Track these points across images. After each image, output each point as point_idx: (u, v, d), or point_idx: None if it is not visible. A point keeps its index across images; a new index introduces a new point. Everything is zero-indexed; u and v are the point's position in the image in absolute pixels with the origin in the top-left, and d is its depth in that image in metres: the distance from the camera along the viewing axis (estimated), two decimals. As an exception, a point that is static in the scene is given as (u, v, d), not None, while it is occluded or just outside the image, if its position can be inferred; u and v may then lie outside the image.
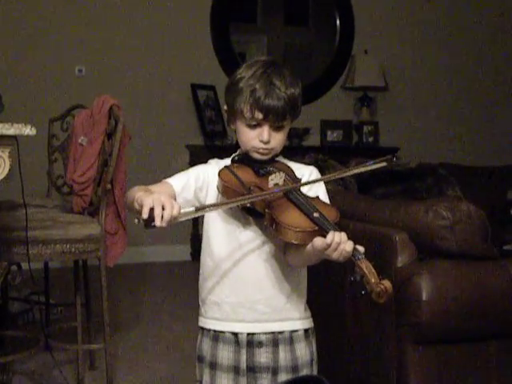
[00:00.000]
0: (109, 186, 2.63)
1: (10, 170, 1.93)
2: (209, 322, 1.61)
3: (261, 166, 1.58)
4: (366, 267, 1.37)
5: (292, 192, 1.50)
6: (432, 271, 2.00)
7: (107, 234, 2.67)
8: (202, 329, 1.63)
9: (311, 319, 1.66)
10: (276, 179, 1.53)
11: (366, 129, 5.62)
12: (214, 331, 1.59)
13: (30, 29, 4.79)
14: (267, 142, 1.56)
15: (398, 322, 2.02)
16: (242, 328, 1.57)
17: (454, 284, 2.01)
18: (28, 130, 1.94)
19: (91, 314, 2.94)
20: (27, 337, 2.92)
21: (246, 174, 1.56)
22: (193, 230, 5.09)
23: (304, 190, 1.56)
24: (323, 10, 5.71)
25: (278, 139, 1.57)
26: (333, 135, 5.59)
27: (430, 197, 2.60)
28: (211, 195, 1.59)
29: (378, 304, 1.37)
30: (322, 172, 3.02)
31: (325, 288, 2.37)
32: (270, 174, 1.55)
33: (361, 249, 1.40)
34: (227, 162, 1.64)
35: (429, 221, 2.04)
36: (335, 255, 1.39)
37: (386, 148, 5.58)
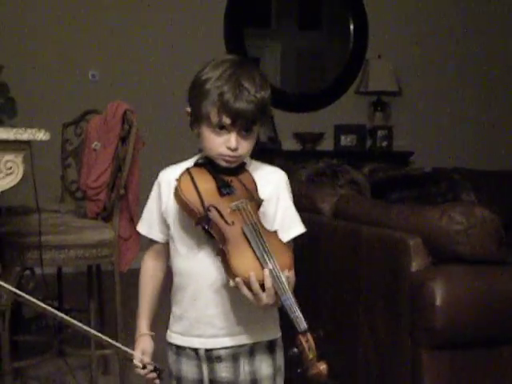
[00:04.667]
0: (122, 191, 2.63)
1: (23, 175, 1.94)
2: (173, 336, 1.57)
3: (224, 183, 1.45)
4: (307, 342, 1.28)
5: (250, 227, 1.38)
6: (446, 276, 1.98)
7: (121, 239, 2.67)
8: (169, 343, 1.59)
9: (277, 329, 1.57)
10: (236, 206, 1.41)
11: (379, 133, 5.60)
12: (177, 346, 1.56)
13: (43, 34, 4.83)
14: (235, 150, 1.45)
15: (412, 327, 2.00)
16: (201, 344, 1.52)
17: (468, 289, 1.99)
18: (42, 135, 1.94)
19: (105, 319, 2.94)
20: (40, 342, 2.93)
21: (208, 188, 1.44)
22: (206, 235, 5.10)
23: (264, 198, 1.46)
24: (337, 14, 5.71)
25: (246, 146, 1.47)
26: (346, 140, 5.57)
27: (444, 202, 2.58)
28: (171, 213, 1.52)
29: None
30: (335, 177, 3.02)
31: (338, 293, 2.36)
32: (231, 196, 1.43)
33: (303, 324, 1.30)
34: (179, 171, 1.50)
35: (443, 226, 2.02)
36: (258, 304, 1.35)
37: (400, 152, 5.56)
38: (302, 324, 1.29)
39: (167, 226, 1.53)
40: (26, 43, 4.78)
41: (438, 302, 1.93)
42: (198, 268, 1.49)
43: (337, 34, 5.74)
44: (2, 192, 1.90)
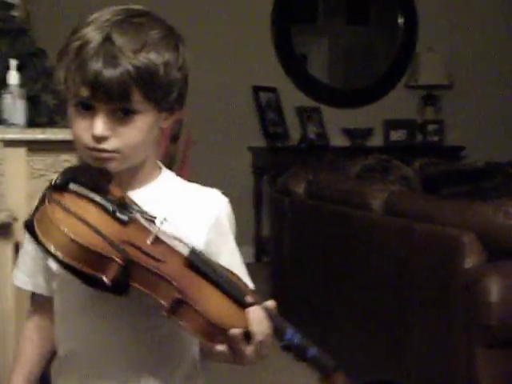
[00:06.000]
0: (173, 189, 2.66)
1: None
2: None
3: (116, 203, 0.93)
4: (344, 382, 0.92)
5: (193, 254, 0.92)
6: (501, 272, 1.95)
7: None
8: None
9: None
10: (156, 232, 0.92)
11: (430, 128, 5.53)
12: None
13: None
14: (101, 139, 0.97)
15: (468, 324, 1.97)
16: None
17: (526, 286, 1.95)
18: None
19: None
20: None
21: (99, 219, 0.90)
22: (255, 231, 5.11)
23: (202, 230, 1.01)
24: (385, 8, 5.65)
25: (127, 136, 0.98)
26: (396, 135, 5.52)
27: (498, 196, 2.53)
28: None
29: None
30: (385, 173, 2.99)
31: (390, 291, 2.34)
32: (138, 220, 0.93)
33: (330, 360, 0.92)
34: None
35: (498, 221, 1.99)
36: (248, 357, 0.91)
37: (452, 147, 5.48)
38: (330, 360, 0.91)
39: (53, 275, 1.05)
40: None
41: (494, 298, 1.90)
42: (105, 330, 1.01)
43: (385, 27, 5.69)
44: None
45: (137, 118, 0.98)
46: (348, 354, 2.36)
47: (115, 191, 0.95)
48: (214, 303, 0.89)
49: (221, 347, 0.89)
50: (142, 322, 1.00)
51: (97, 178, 0.96)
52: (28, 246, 1.09)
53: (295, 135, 5.16)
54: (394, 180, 2.83)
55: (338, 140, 5.37)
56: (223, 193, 1.10)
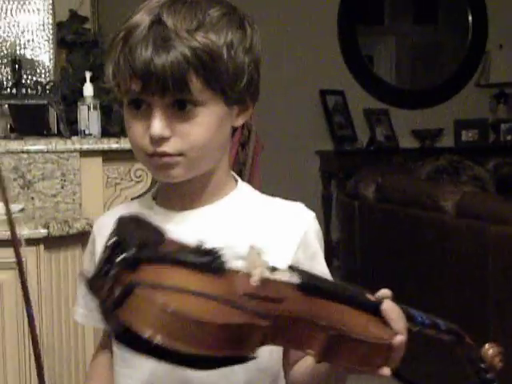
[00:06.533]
0: (243, 194, 2.68)
1: (151, 182, 2.03)
2: None
3: (203, 252, 0.70)
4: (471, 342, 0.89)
5: (301, 277, 0.74)
6: None
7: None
8: None
9: None
10: (259, 272, 0.70)
11: (503, 127, 5.39)
12: None
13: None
14: (161, 140, 0.82)
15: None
16: None
17: None
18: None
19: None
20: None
21: (207, 283, 0.67)
22: (325, 235, 5.09)
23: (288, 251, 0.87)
24: (454, 6, 5.55)
25: (190, 134, 0.83)
26: (467, 135, 5.41)
27: None
28: None
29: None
30: (457, 174, 2.94)
31: (464, 295, 2.30)
32: (227, 263, 0.70)
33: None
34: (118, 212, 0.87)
35: None
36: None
37: (527, 146, 5.33)
38: (454, 325, 0.90)
39: None
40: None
41: None
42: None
43: (454, 26, 5.59)
44: (132, 199, 1.99)
45: (199, 111, 0.83)
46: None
47: (174, 241, 0.72)
48: (357, 321, 0.73)
49: (386, 370, 0.71)
50: None
51: (150, 228, 0.73)
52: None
53: (363, 138, 5.12)
54: (466, 181, 2.77)
55: (407, 142, 5.30)
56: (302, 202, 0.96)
